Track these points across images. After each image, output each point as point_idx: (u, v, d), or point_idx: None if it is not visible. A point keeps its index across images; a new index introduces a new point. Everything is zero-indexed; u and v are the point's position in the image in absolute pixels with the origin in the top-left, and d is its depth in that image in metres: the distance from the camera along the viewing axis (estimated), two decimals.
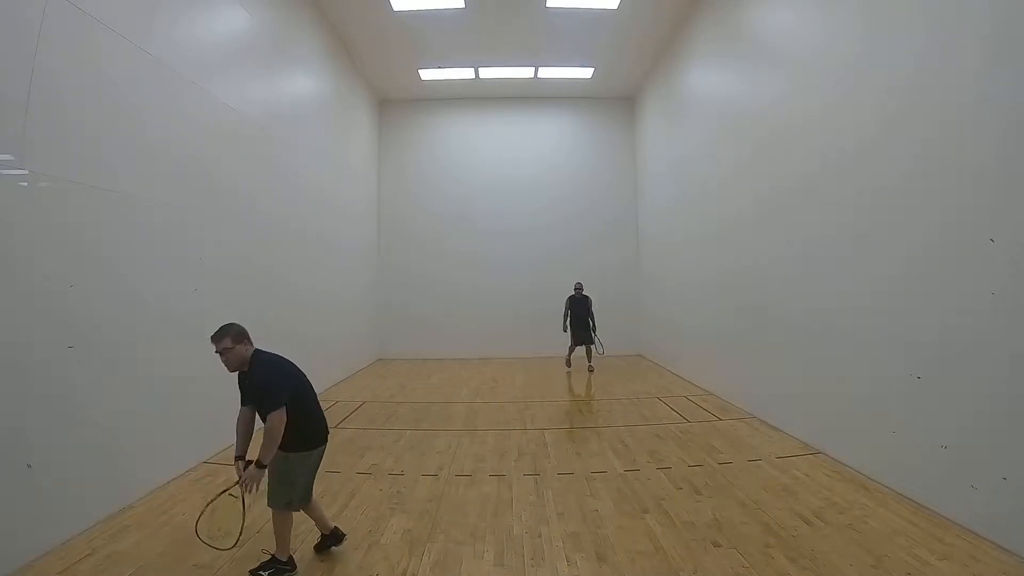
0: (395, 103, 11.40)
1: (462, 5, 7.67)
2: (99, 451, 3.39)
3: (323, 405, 3.10)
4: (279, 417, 2.60)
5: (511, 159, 11.45)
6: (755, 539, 3.08)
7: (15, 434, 2.83)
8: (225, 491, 2.67)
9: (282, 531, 2.76)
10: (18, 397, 2.86)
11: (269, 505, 2.78)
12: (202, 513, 2.58)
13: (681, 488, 3.90)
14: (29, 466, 2.88)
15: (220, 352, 2.69)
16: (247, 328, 2.78)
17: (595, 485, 4.00)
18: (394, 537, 3.18)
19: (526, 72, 10.18)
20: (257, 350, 2.82)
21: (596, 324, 8.89)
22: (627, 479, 4.11)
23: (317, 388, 3.04)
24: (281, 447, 2.65)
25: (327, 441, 2.98)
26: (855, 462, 4.11)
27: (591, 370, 8.77)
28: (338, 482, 4.07)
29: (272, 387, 2.67)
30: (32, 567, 2.80)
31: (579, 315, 8.82)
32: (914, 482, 3.52)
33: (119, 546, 3.04)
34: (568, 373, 8.86)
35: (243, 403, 2.85)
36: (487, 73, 10.18)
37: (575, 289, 9.01)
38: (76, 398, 3.24)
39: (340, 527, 3.07)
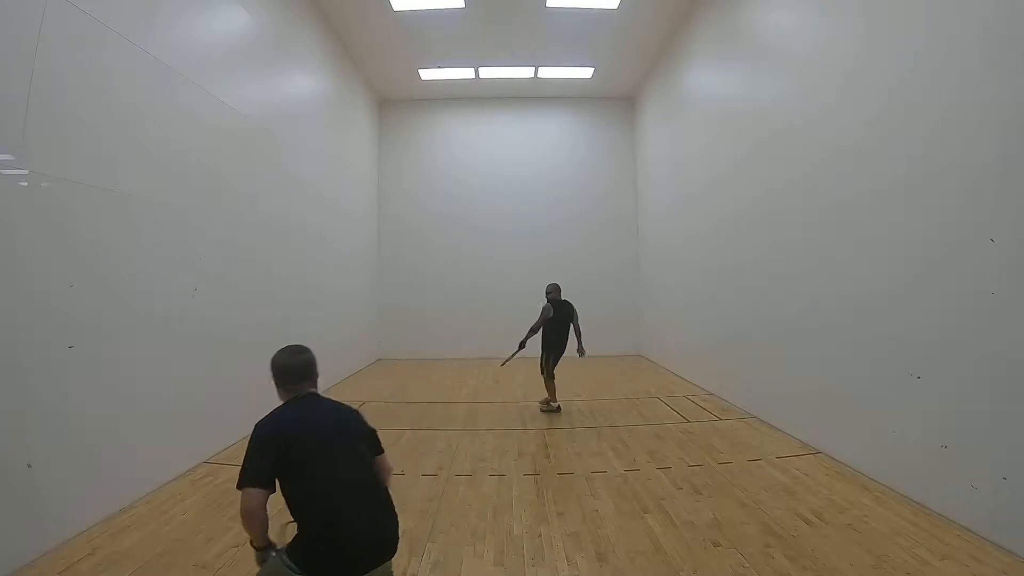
0: (395, 103, 11.39)
1: (462, 5, 7.67)
2: (99, 451, 3.39)
3: None
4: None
5: (511, 159, 11.44)
6: (755, 539, 3.08)
7: (15, 434, 2.83)
8: None
9: None
10: (18, 397, 2.86)
11: None
12: None
13: (681, 488, 3.90)
14: (29, 466, 2.87)
15: None
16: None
17: (595, 485, 4.00)
18: None
19: (526, 72, 10.17)
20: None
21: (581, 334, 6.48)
22: (627, 479, 4.11)
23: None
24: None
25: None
26: (855, 462, 4.11)
27: (551, 408, 6.34)
28: None
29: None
30: (32, 567, 2.79)
31: (562, 322, 6.51)
32: (914, 482, 3.52)
33: (119, 546, 3.04)
34: (554, 407, 6.42)
35: None
36: (487, 73, 10.17)
37: (552, 293, 6.70)
38: (76, 398, 3.24)
39: None
